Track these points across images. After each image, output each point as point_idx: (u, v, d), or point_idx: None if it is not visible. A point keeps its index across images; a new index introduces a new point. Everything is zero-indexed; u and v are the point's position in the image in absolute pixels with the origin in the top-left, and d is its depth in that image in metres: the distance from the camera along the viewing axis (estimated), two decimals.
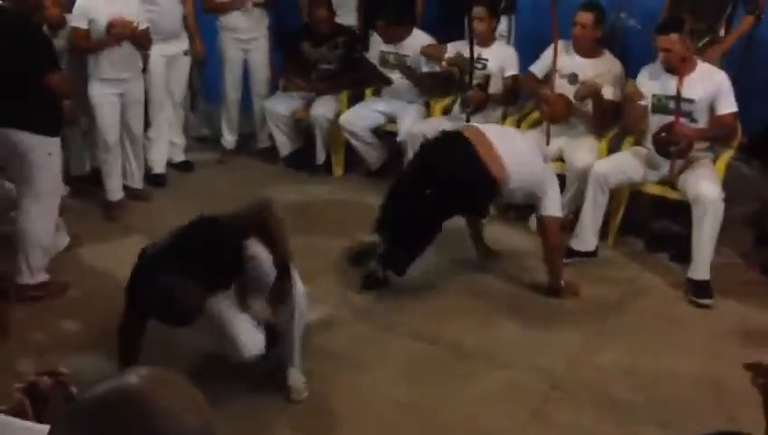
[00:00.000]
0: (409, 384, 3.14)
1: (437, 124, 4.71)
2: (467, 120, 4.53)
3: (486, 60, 4.58)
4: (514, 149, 3.59)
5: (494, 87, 4.63)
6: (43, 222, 3.67)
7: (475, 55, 4.53)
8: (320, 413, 2.98)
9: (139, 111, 4.68)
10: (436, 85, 4.81)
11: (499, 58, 4.59)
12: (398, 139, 4.82)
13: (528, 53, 4.64)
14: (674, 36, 3.78)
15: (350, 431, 2.89)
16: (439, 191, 3.47)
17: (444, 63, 4.67)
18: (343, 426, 2.91)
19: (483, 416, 2.98)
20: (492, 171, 3.45)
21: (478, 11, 4.50)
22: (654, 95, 3.97)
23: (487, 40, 4.57)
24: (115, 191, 4.65)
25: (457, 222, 4.57)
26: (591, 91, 4.19)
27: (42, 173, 3.59)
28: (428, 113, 4.98)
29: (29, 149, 3.55)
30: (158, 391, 0.86)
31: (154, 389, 0.86)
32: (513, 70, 4.61)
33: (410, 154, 4.66)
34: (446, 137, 3.67)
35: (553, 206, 3.61)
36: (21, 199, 3.68)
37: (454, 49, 4.66)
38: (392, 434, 2.89)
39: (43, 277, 3.71)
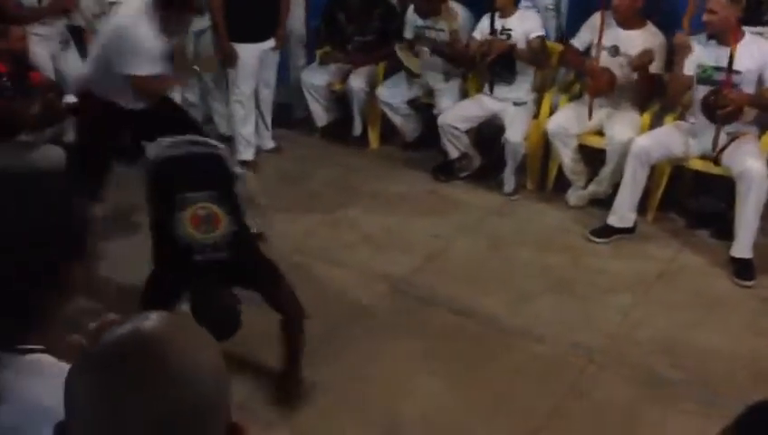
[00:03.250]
0: (445, 356, 3.14)
1: (469, 108, 4.66)
2: (491, 79, 4.47)
3: (510, 30, 4.46)
4: None
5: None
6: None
7: (499, 27, 4.44)
8: (354, 381, 2.99)
9: None
10: (467, 57, 4.70)
11: (522, 24, 4.45)
12: (434, 112, 4.79)
13: (577, 24, 4.52)
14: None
15: (383, 401, 2.90)
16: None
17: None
18: (376, 396, 2.93)
19: (518, 390, 2.97)
20: None
21: None
22: (699, 66, 3.86)
23: (508, 10, 4.46)
24: None
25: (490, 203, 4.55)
26: (650, 58, 4.05)
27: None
28: (465, 87, 4.92)
29: None
30: (173, 335, 0.86)
31: (168, 333, 0.86)
32: (537, 31, 4.44)
33: (444, 142, 4.65)
34: None
35: None
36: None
37: (482, 25, 4.57)
38: (426, 405, 2.89)
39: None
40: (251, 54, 4.73)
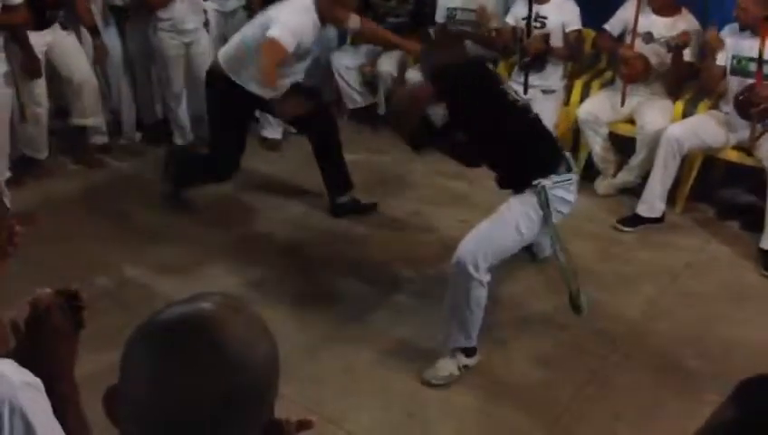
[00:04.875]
0: None
1: None
2: (525, 77, 4.40)
3: (545, 18, 4.40)
4: None
5: (555, 44, 4.47)
6: None
7: (533, 14, 4.39)
8: (377, 363, 3.03)
9: (205, 63, 4.73)
10: (501, 43, 4.67)
11: (559, 14, 4.39)
12: None
13: (594, 6, 4.47)
14: None
15: (406, 384, 2.92)
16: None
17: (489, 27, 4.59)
18: (399, 378, 2.95)
19: (540, 376, 2.97)
20: None
21: None
22: (734, 56, 3.81)
23: None
24: (186, 136, 4.81)
25: None
26: (687, 40, 4.00)
27: None
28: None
29: None
30: (230, 319, 0.88)
31: (226, 316, 0.88)
32: (575, 25, 4.39)
33: None
34: None
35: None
36: None
37: (516, 10, 4.53)
38: (448, 388, 2.91)
39: None
40: None
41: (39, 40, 4.13)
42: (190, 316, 0.87)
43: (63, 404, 1.25)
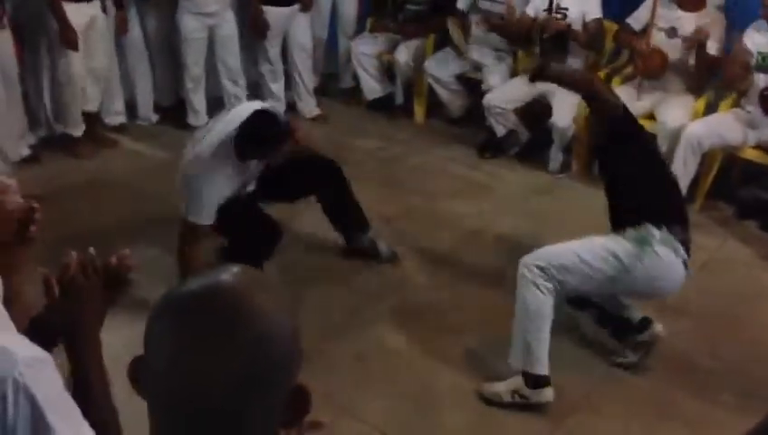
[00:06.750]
0: (481, 332, 3.12)
1: (517, 88, 4.54)
2: (542, 51, 4.39)
3: (566, 9, 4.37)
4: None
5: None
6: None
7: (554, 5, 4.36)
8: (386, 353, 3.02)
9: (232, 47, 4.71)
10: (522, 33, 4.61)
11: (580, 5, 4.35)
12: (483, 88, 4.73)
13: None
14: None
15: (415, 374, 2.92)
16: None
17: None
18: (408, 368, 2.95)
19: (553, 373, 2.93)
20: None
21: None
22: (759, 53, 3.76)
23: None
24: (199, 119, 4.79)
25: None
26: (701, 38, 3.97)
27: None
28: (515, 65, 4.85)
29: None
30: (253, 291, 0.86)
31: (248, 288, 0.86)
32: (595, 14, 4.36)
33: (490, 120, 4.59)
34: None
35: None
36: None
37: (536, 2, 4.48)
38: (459, 379, 2.89)
39: None
40: (275, 17, 4.74)
41: (79, 15, 4.08)
42: (210, 290, 0.85)
43: (85, 367, 1.30)
